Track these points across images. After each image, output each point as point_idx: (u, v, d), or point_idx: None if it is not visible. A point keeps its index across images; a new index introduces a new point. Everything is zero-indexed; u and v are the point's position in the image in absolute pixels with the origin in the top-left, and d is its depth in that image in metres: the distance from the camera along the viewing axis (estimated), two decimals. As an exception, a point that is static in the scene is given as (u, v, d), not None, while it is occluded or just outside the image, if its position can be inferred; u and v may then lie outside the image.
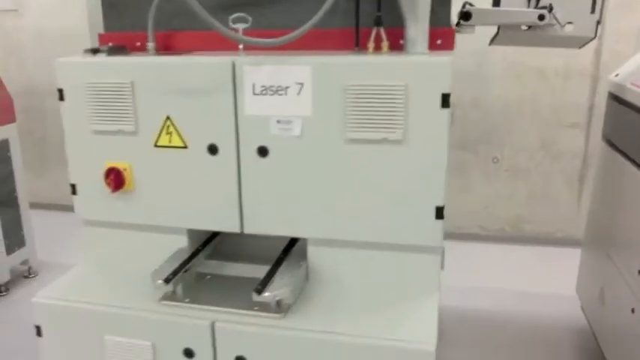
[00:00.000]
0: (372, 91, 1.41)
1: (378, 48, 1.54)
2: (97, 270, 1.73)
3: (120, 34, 1.77)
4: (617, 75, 2.78)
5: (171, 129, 1.56)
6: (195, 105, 1.53)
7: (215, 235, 1.75)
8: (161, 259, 1.65)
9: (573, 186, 3.82)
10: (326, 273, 1.57)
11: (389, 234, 1.51)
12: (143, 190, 1.63)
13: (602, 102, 3.28)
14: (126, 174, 1.61)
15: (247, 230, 1.59)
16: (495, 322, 3.28)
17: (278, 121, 1.49)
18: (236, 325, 1.45)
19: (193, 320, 1.47)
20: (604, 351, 2.67)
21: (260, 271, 1.62)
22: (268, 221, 1.57)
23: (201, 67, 1.51)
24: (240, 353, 1.44)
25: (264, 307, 1.48)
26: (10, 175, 3.54)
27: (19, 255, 3.78)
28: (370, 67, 1.42)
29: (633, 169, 2.41)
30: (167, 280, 1.48)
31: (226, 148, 1.54)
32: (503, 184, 3.86)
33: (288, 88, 1.46)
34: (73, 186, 1.70)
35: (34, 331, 1.62)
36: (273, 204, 1.55)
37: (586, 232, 3.08)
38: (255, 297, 1.42)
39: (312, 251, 1.59)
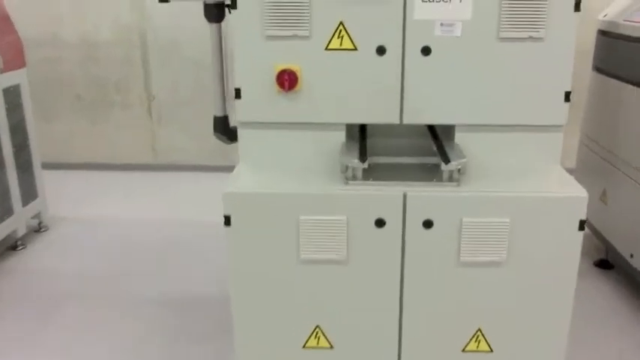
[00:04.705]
0: (524, -4, 1.74)
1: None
2: (262, 168, 1.92)
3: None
4: (605, 15, 3.33)
5: (343, 33, 1.79)
6: (368, 11, 1.77)
7: (364, 131, 2.00)
8: (321, 155, 1.89)
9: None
10: (473, 153, 1.88)
11: (526, 117, 1.86)
12: (310, 90, 1.84)
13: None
14: (298, 75, 1.82)
15: (406, 121, 1.86)
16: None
17: (441, 24, 1.77)
18: (424, 193, 1.74)
19: (387, 192, 1.74)
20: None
21: (405, 159, 1.92)
22: (424, 112, 1.86)
23: (377, -23, 1.75)
24: (428, 217, 1.74)
25: (439, 178, 1.78)
26: (22, 123, 3.48)
27: (32, 207, 3.73)
28: (523, -23, 1.75)
29: (628, 86, 2.98)
30: (363, 160, 1.73)
31: (393, 49, 1.79)
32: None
33: (453, -5, 1.75)
34: (238, 90, 1.87)
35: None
36: (431, 96, 1.84)
37: (579, 154, 3.64)
38: (444, 166, 1.72)
39: (460, 136, 1.89)
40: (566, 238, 1.75)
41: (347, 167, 1.77)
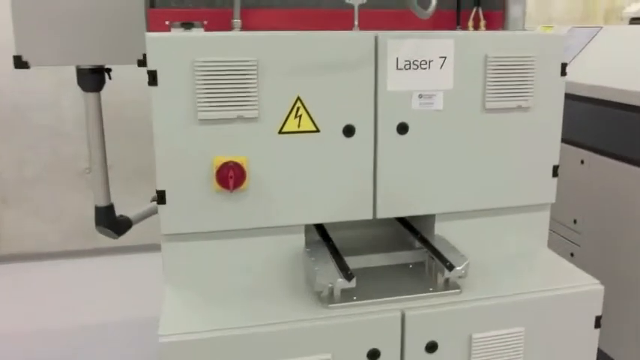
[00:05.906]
0: (510, 62, 1.48)
1: (476, 27, 1.62)
2: (200, 293, 1.41)
3: (177, 10, 1.49)
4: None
5: (302, 111, 1.39)
6: (331, 83, 1.39)
7: (322, 227, 1.58)
8: (277, 267, 1.46)
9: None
10: (456, 244, 1.55)
11: (513, 197, 1.59)
12: (261, 186, 1.40)
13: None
14: (245, 168, 1.37)
15: (381, 215, 1.49)
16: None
17: (420, 96, 1.45)
18: (426, 310, 1.36)
19: (381, 315, 1.33)
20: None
21: (379, 258, 1.56)
22: (402, 202, 1.50)
23: (342, 41, 1.38)
24: (432, 339, 1.36)
25: (435, 287, 1.43)
26: None
27: None
28: (509, 41, 1.50)
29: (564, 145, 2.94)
30: (349, 277, 1.31)
31: (364, 128, 1.43)
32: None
33: (432, 61, 1.44)
34: (162, 193, 1.36)
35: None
36: (409, 183, 1.49)
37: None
38: (447, 273, 1.37)
39: (440, 226, 1.56)
40: (583, 338, 1.49)
41: (325, 286, 1.34)
